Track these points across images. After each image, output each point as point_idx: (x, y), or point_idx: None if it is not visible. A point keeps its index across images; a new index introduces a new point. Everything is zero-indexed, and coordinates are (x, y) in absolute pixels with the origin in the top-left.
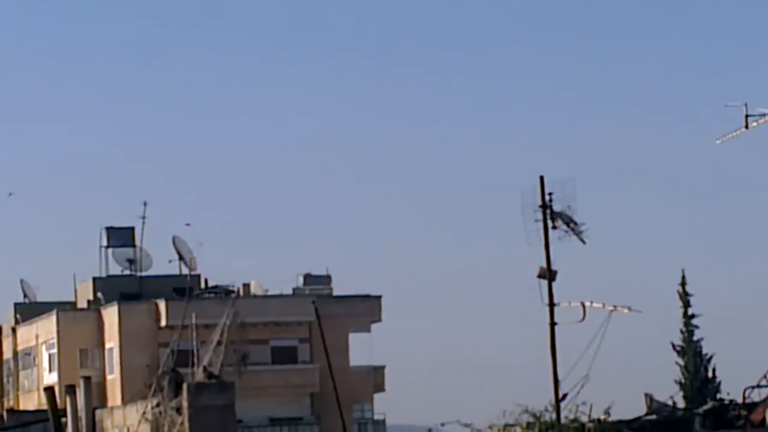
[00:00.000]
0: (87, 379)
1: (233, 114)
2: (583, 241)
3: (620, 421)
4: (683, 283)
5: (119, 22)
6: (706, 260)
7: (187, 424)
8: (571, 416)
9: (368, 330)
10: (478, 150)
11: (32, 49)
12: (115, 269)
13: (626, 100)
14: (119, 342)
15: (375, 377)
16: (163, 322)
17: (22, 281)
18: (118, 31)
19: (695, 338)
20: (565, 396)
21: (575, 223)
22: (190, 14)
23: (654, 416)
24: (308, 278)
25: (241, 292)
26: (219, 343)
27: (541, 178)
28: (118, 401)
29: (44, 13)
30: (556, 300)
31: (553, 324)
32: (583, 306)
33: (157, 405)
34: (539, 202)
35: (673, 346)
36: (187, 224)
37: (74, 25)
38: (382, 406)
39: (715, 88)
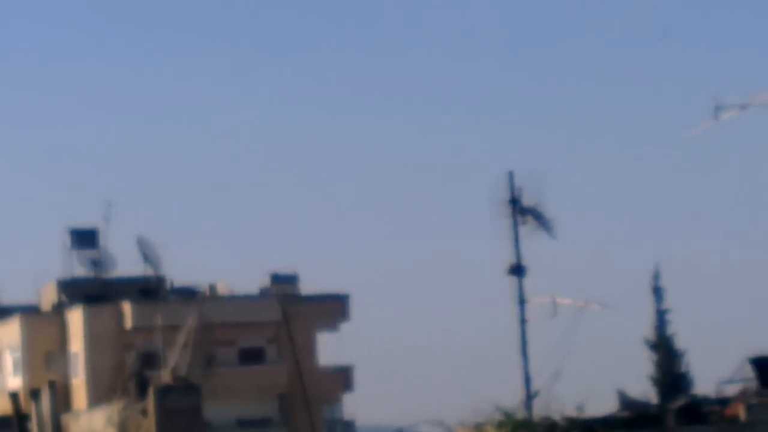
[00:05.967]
0: (52, 383)
1: (197, 113)
2: (553, 236)
3: (593, 418)
4: (655, 278)
5: (80, 18)
6: (677, 254)
7: (153, 427)
8: (543, 413)
9: (336, 329)
10: (445, 145)
11: None
12: (79, 271)
13: (594, 93)
14: (84, 345)
15: (344, 377)
16: (128, 325)
17: None
18: (82, 29)
19: (667, 333)
20: (536, 393)
21: (545, 218)
22: (151, 10)
23: (627, 412)
24: (275, 278)
25: (207, 293)
26: (185, 344)
27: (510, 173)
28: (84, 405)
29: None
30: (526, 296)
31: (523, 321)
32: (554, 302)
33: (124, 408)
34: (508, 197)
35: (646, 341)
36: None
37: (35, 22)
38: (351, 406)
39: (685, 80)
